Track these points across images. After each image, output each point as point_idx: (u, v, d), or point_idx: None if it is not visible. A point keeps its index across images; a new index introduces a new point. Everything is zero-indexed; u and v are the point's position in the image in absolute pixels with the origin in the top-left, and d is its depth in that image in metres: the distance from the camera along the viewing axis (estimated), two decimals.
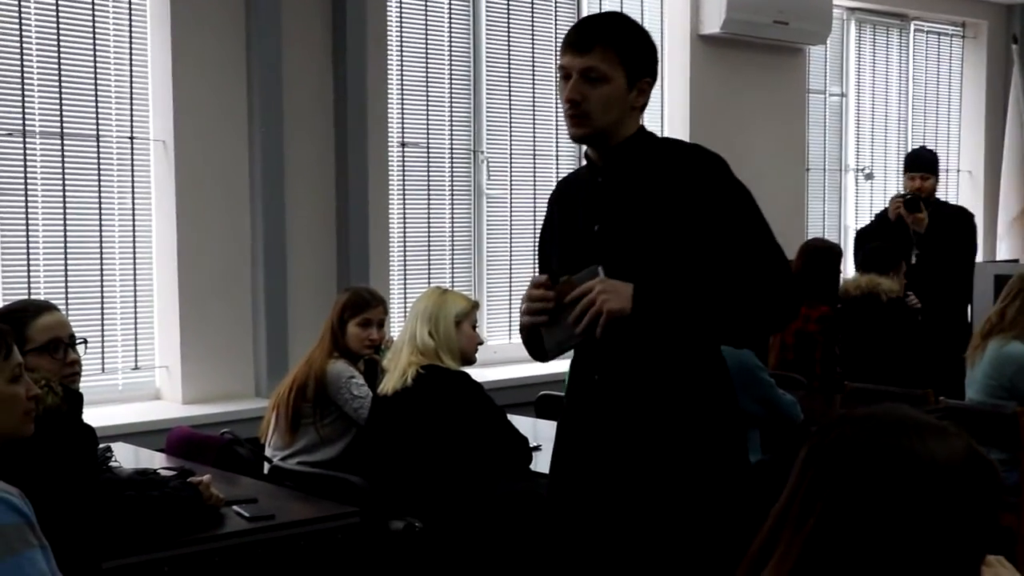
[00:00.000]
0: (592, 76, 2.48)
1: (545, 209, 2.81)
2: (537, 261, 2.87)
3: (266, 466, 4.05)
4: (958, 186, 8.45)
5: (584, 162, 2.72)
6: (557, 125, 6.08)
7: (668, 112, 6.47)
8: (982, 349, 4.54)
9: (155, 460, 3.84)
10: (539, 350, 2.64)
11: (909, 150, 8.02)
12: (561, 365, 5.34)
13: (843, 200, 7.74)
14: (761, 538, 1.33)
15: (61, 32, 4.49)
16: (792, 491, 1.31)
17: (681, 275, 2.44)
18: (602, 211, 2.55)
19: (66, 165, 4.53)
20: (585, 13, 6.15)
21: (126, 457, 3.72)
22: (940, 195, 6.43)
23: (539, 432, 4.27)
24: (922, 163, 6.12)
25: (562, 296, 2.45)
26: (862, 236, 6.19)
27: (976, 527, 1.28)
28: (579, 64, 2.48)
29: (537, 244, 2.86)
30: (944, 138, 8.41)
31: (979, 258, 6.47)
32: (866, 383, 4.89)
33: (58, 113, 4.50)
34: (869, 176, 7.78)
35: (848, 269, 6.16)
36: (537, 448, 3.89)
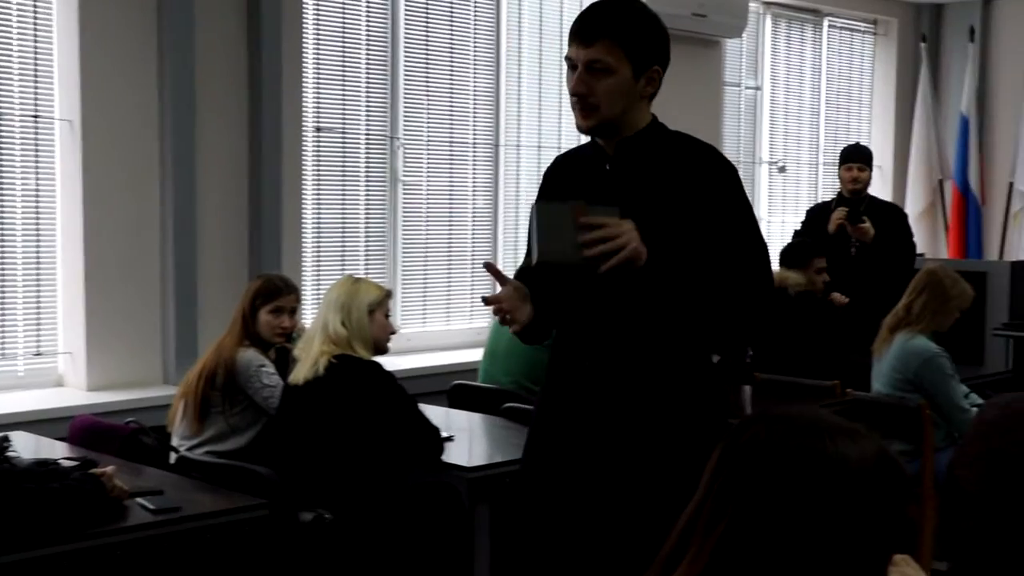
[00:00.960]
0: (597, 68, 2.45)
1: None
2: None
3: (173, 456, 3.98)
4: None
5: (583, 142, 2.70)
6: (474, 112, 6.05)
7: None
8: (889, 343, 4.62)
9: (57, 450, 3.75)
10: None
11: (821, 144, 8.18)
12: (475, 355, 5.37)
13: (757, 193, 7.83)
14: (672, 540, 1.33)
15: None
16: (704, 493, 1.31)
17: (682, 263, 2.44)
18: (606, 199, 2.53)
19: None
20: (504, 1, 6.13)
21: (26, 447, 3.62)
22: None
23: (452, 422, 4.25)
24: (860, 155, 6.19)
25: (575, 216, 2.35)
26: (811, 217, 6.28)
27: (884, 528, 1.29)
28: (584, 56, 2.46)
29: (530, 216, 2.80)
30: (855, 133, 8.53)
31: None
32: (776, 375, 4.96)
33: None
34: (782, 169, 7.87)
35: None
36: (449, 439, 3.86)
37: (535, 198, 2.72)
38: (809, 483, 1.25)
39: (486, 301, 2.59)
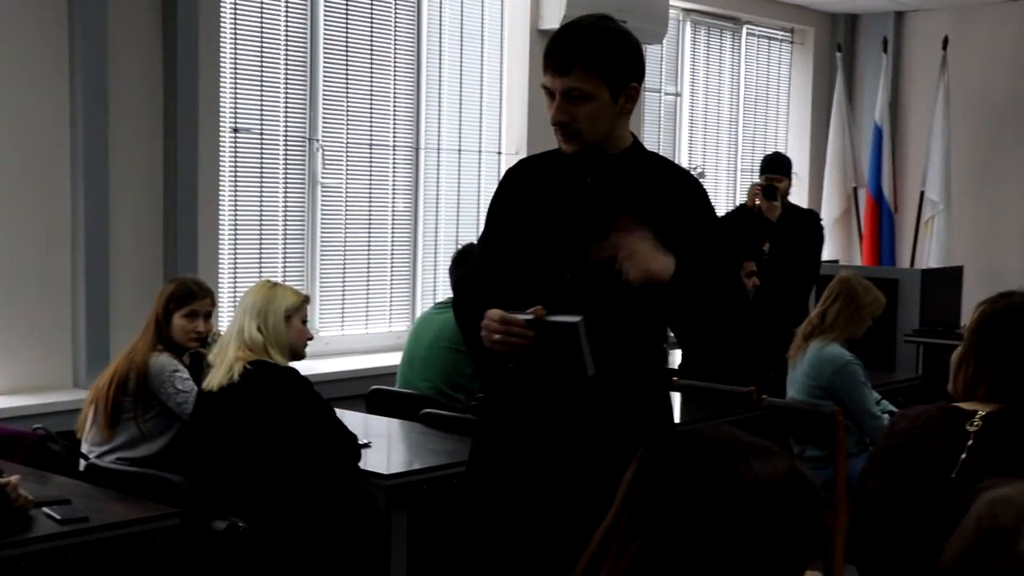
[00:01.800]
0: (575, 95, 2.45)
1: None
2: (485, 232, 2.76)
3: (82, 463, 3.90)
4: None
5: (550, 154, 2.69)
6: (395, 114, 6.02)
7: (507, 107, 6.47)
8: (803, 350, 4.68)
9: None
10: (492, 362, 2.57)
11: (739, 150, 8.28)
12: (393, 358, 5.34)
13: None
14: (586, 559, 1.33)
15: None
16: (618, 512, 1.31)
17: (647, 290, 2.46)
18: (585, 212, 2.53)
19: None
20: (425, 3, 6.11)
21: None
22: None
23: (370, 428, 4.22)
24: (777, 166, 6.29)
25: (538, 330, 2.40)
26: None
27: (797, 544, 1.30)
28: (561, 85, 2.45)
29: (486, 215, 2.77)
30: (773, 140, 8.66)
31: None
32: (696, 381, 4.97)
33: None
34: (701, 175, 7.94)
35: None
36: (366, 445, 3.84)
37: (492, 200, 2.71)
38: (721, 502, 1.26)
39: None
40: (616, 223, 2.44)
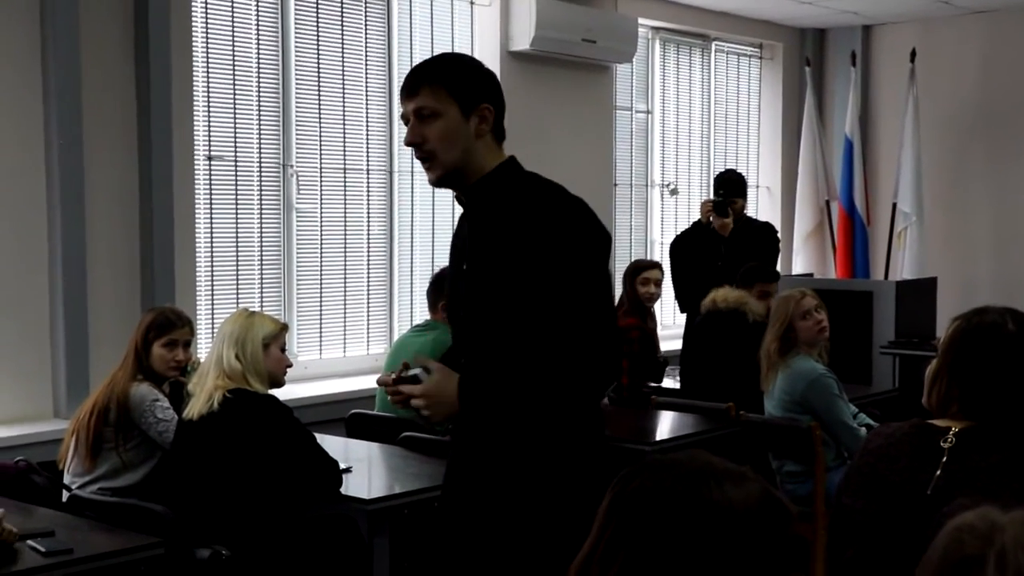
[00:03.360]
0: (425, 114, 2.47)
1: None
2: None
3: (65, 494, 3.89)
4: (757, 201, 8.77)
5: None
6: (367, 138, 6.04)
7: None
8: (773, 370, 4.70)
9: None
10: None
11: (711, 166, 8.33)
12: (372, 381, 5.33)
13: (649, 215, 7.95)
14: None
15: None
16: (596, 540, 1.33)
17: (512, 345, 2.40)
18: (467, 249, 2.54)
19: None
20: (395, 24, 6.15)
21: None
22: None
23: (350, 453, 4.24)
24: (730, 184, 6.34)
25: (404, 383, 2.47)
26: (678, 243, 6.39)
27: (772, 569, 1.32)
28: (411, 107, 2.48)
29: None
30: (744, 155, 8.73)
31: (778, 270, 6.70)
32: (718, 398, 4.95)
33: None
34: (674, 192, 8.00)
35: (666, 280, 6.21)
36: (347, 470, 3.85)
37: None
38: (696, 528, 1.28)
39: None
40: (485, 247, 2.48)
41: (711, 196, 6.61)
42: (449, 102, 2.47)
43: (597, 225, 2.46)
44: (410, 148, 2.52)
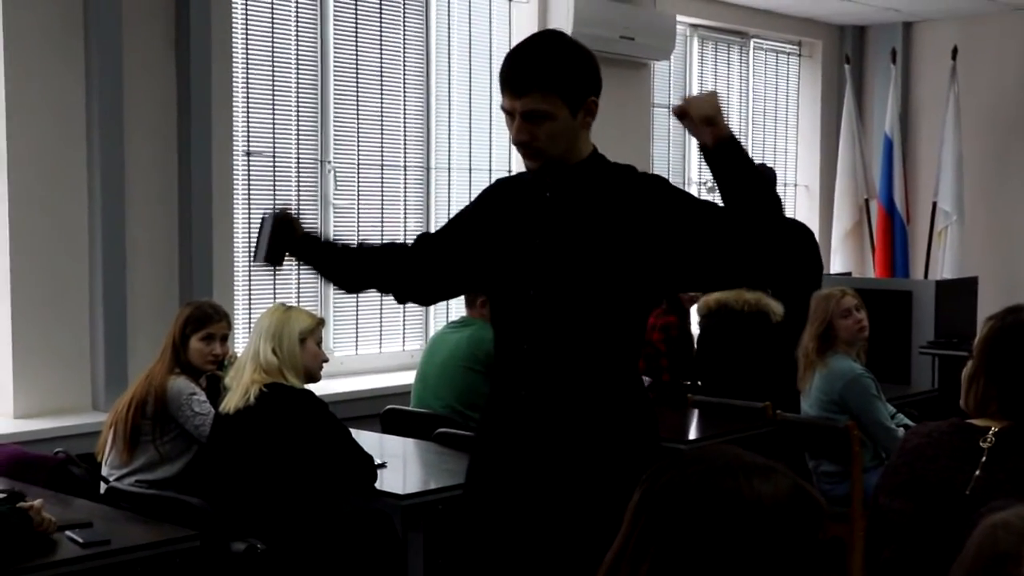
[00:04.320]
0: (535, 116, 2.47)
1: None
2: (444, 230, 2.81)
3: (103, 486, 3.93)
4: (795, 200, 8.72)
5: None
6: (405, 134, 6.05)
7: None
8: (811, 370, 4.67)
9: None
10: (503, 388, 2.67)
11: None
12: (407, 377, 5.37)
13: None
14: None
15: None
16: (626, 535, 1.33)
17: (613, 300, 2.50)
18: (545, 227, 2.55)
19: None
20: (433, 21, 6.15)
21: None
22: None
23: (385, 448, 4.25)
24: None
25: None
26: None
27: (802, 562, 1.32)
28: (520, 107, 2.47)
29: (450, 219, 2.84)
30: (782, 153, 8.67)
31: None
32: (738, 397, 4.94)
33: None
34: (711, 189, 7.95)
35: None
36: (382, 465, 3.86)
37: (463, 209, 2.80)
38: (726, 523, 1.28)
39: None
40: (582, 227, 2.51)
41: None
42: (560, 105, 2.47)
43: None
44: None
